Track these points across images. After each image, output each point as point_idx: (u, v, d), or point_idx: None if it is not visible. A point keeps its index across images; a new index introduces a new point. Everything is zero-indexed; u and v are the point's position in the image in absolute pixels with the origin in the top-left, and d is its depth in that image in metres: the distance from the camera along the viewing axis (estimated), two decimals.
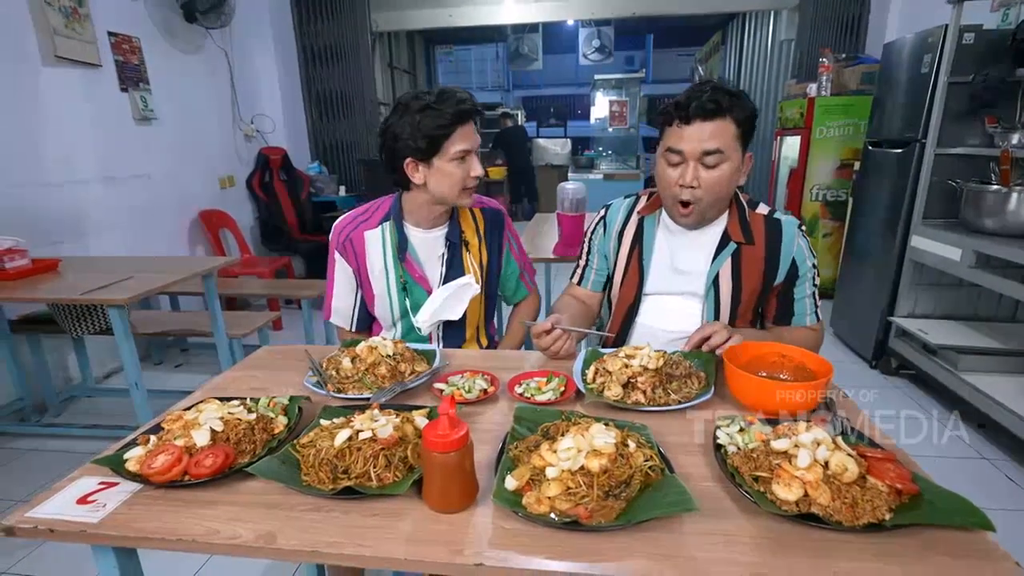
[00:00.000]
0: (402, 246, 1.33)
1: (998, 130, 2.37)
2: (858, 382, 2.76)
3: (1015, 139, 2.31)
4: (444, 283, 1.35)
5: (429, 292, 1.35)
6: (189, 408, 0.91)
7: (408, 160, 1.23)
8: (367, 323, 1.46)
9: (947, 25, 2.38)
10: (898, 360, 2.74)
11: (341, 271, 1.39)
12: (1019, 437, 1.98)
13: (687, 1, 5.87)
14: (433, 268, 1.36)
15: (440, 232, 1.36)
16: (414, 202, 1.32)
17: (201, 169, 3.81)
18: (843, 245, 3.42)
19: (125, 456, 0.81)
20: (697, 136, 1.12)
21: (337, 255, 1.38)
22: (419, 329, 1.35)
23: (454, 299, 1.33)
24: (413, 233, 1.35)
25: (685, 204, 1.19)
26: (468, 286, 1.33)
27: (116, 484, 0.78)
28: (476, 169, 1.25)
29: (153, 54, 3.34)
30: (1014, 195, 2.19)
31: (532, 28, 8.15)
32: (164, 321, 2.84)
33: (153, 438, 0.84)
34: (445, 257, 1.35)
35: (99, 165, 2.99)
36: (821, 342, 1.29)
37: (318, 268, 4.19)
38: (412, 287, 1.35)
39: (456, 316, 1.34)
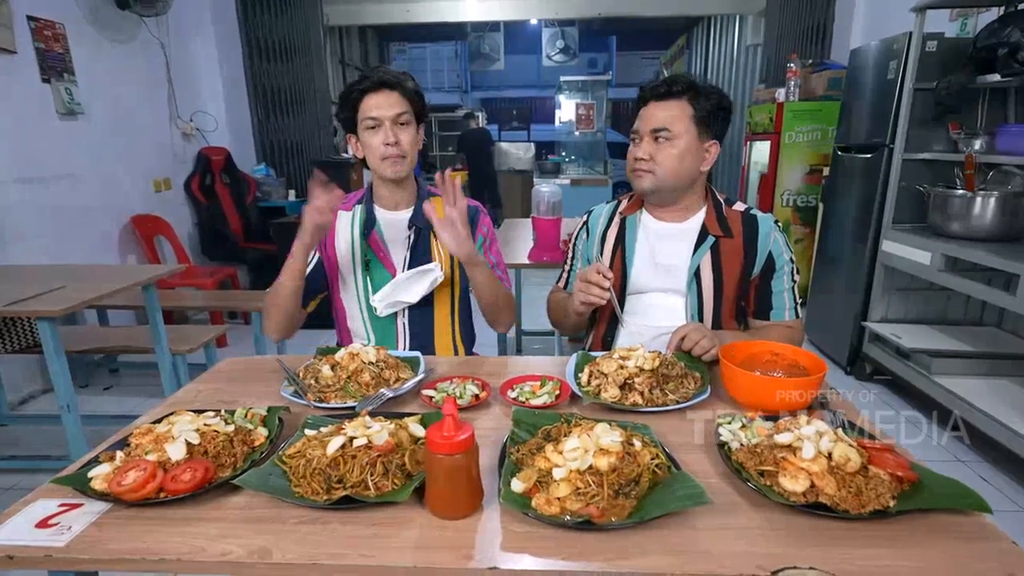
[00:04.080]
0: (368, 224, 1.41)
1: (961, 135, 2.57)
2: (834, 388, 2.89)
3: (977, 144, 2.52)
4: (409, 267, 1.39)
5: (393, 274, 1.39)
6: (158, 421, 0.88)
7: (348, 134, 1.39)
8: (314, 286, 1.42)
9: (911, 32, 2.58)
10: (872, 365, 2.90)
11: None
12: (992, 438, 2.13)
13: (652, 3, 6.11)
14: (398, 250, 1.41)
15: (406, 215, 1.43)
16: (374, 181, 1.44)
17: (134, 170, 3.67)
18: (815, 250, 3.61)
19: (90, 474, 0.79)
20: (649, 115, 1.29)
21: None
22: (375, 309, 1.39)
23: (413, 282, 1.38)
24: (381, 214, 1.44)
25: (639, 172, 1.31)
26: (430, 271, 1.37)
27: (80, 505, 0.76)
28: (388, 137, 1.30)
29: (80, 42, 3.22)
30: (978, 200, 2.37)
31: (493, 27, 8.27)
32: (92, 337, 2.70)
33: (120, 454, 0.82)
34: (411, 241, 1.41)
35: (16, 163, 2.84)
36: (801, 341, 1.37)
37: (267, 279, 4.07)
38: (375, 266, 1.40)
39: (414, 299, 1.38)
